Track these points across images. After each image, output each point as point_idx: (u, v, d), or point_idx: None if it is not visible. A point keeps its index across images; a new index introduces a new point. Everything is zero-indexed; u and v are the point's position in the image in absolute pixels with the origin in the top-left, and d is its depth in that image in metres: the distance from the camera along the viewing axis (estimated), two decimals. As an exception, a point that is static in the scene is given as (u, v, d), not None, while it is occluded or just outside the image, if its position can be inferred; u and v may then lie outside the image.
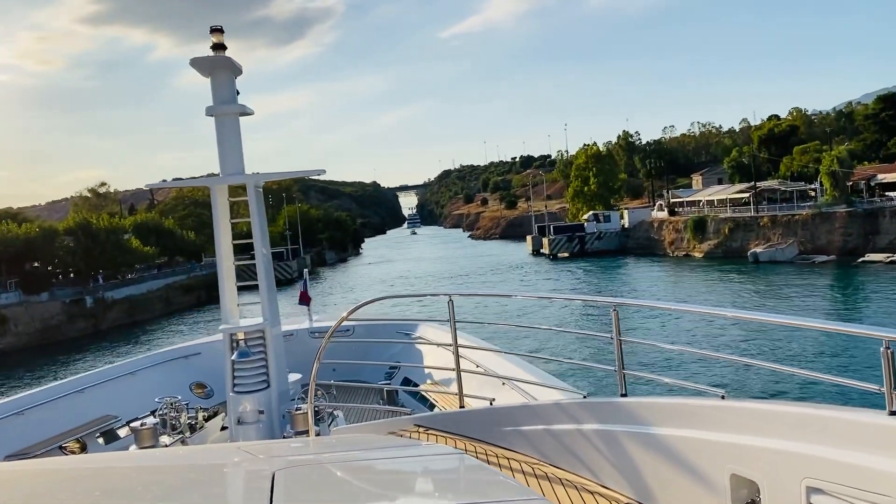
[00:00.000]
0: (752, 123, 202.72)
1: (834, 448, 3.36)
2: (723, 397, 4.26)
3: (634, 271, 73.31)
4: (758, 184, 75.31)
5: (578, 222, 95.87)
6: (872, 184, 71.57)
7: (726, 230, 72.79)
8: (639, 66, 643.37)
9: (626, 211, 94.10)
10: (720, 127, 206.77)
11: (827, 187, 67.08)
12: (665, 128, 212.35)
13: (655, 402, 4.76)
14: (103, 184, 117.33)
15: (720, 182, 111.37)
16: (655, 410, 4.66)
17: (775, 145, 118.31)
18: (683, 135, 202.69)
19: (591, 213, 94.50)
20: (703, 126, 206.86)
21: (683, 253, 77.82)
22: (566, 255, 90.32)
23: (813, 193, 77.27)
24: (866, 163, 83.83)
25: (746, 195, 76.83)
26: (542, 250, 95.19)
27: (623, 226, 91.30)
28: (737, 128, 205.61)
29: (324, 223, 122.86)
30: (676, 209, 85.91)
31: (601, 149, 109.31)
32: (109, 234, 62.35)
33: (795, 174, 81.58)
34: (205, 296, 74.77)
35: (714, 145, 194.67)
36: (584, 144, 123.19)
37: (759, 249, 66.31)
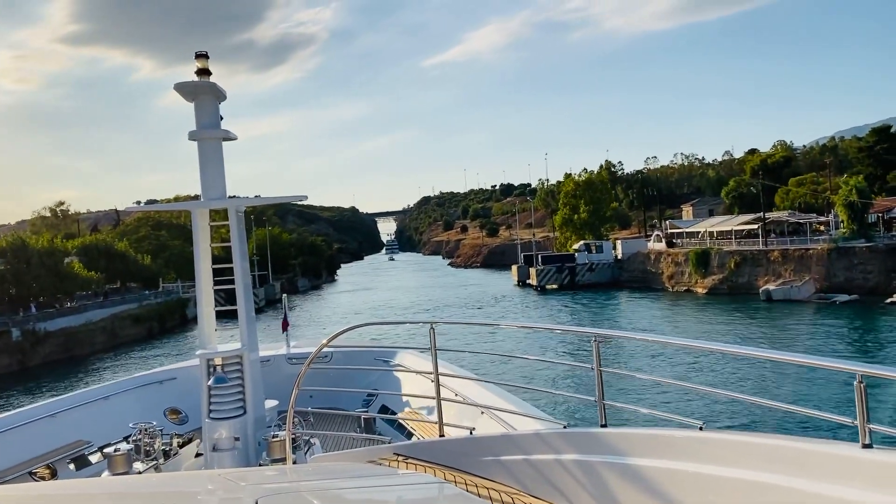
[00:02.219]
0: (735, 156, 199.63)
1: (809, 480, 3.40)
2: (701, 428, 4.30)
3: (633, 307, 66.14)
4: (766, 215, 68.54)
5: (568, 252, 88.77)
6: (888, 217, 65.37)
7: (732, 264, 65.95)
8: (618, 99, 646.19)
9: (618, 241, 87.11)
10: (703, 158, 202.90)
11: (844, 220, 60.61)
12: (647, 158, 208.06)
13: (634, 432, 4.77)
14: (61, 203, 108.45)
15: (712, 213, 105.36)
16: (634, 441, 4.67)
17: (768, 176, 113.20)
18: (665, 166, 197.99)
19: (581, 242, 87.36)
20: (686, 157, 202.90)
21: (685, 288, 70.79)
22: (555, 286, 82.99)
23: (822, 227, 71.17)
24: (880, 195, 77.69)
25: (752, 226, 70.24)
26: (528, 281, 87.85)
27: (616, 257, 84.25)
28: (719, 159, 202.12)
29: (297, 248, 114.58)
30: (674, 240, 79.08)
31: (590, 176, 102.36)
32: (44, 257, 53.75)
33: (802, 205, 75.38)
34: (157, 327, 66.40)
35: (697, 177, 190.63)
36: (572, 173, 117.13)
37: (771, 287, 59.40)
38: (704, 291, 67.52)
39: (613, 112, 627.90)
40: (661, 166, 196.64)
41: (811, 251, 60.79)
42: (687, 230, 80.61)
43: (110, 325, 59.74)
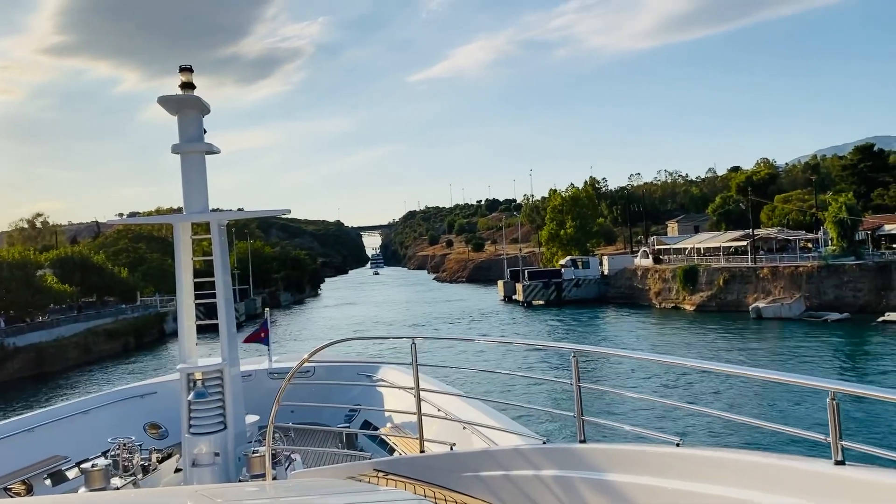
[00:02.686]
0: (718, 174, 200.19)
1: (782, 497, 3.46)
2: (678, 444, 4.35)
3: (620, 324, 64.91)
4: (755, 231, 67.64)
5: (554, 267, 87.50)
6: (877, 234, 64.70)
7: (721, 281, 64.92)
8: (601, 117, 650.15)
9: (605, 257, 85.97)
10: (686, 175, 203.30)
11: (833, 237, 59.80)
12: (631, 175, 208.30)
13: (613, 448, 4.80)
14: (39, 214, 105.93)
15: (697, 230, 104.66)
16: (612, 457, 4.71)
17: (753, 193, 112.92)
18: (649, 182, 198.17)
19: (568, 258, 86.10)
20: (670, 174, 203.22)
21: (672, 305, 69.65)
22: (541, 302, 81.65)
23: (809, 244, 70.44)
24: (865, 213, 77.23)
25: (740, 243, 69.37)
26: (514, 297, 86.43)
27: (602, 273, 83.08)
28: (703, 176, 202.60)
29: (280, 262, 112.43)
30: (661, 256, 78.04)
31: (577, 191, 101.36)
32: (15, 270, 51.64)
33: (790, 222, 74.67)
34: (133, 342, 64.25)
35: (681, 193, 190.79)
36: (557, 189, 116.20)
37: (761, 304, 58.36)
38: (693, 308, 66.41)
39: (597, 129, 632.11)
40: (645, 183, 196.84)
41: (801, 268, 59.92)
42: (674, 246, 79.64)
43: (84, 340, 57.56)
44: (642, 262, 78.62)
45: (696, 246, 75.56)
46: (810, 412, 26.27)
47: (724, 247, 70.87)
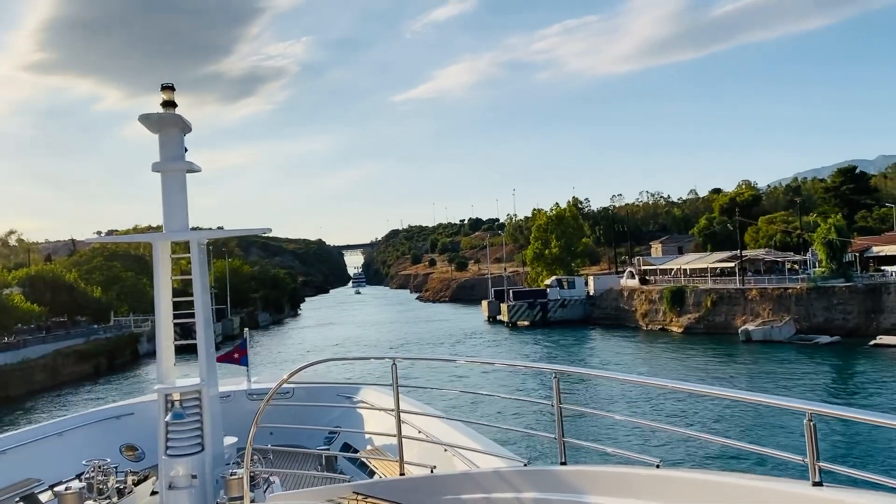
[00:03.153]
0: (700, 195, 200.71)
1: None
2: (658, 466, 4.40)
3: (607, 346, 63.47)
4: (743, 253, 66.64)
5: (539, 287, 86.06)
6: (866, 256, 63.97)
7: (708, 303, 63.76)
8: (584, 137, 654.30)
9: (591, 277, 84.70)
10: (668, 196, 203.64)
11: (822, 258, 58.90)
12: (613, 196, 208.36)
13: (593, 470, 4.83)
14: (12, 231, 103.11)
15: (681, 251, 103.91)
16: (593, 479, 4.73)
17: (737, 215, 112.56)
18: (631, 203, 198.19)
19: (553, 278, 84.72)
20: (652, 195, 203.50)
21: (659, 326, 68.36)
22: (527, 323, 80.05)
23: (796, 266, 69.59)
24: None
25: (728, 264, 68.38)
26: (499, 317, 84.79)
27: (588, 293, 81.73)
28: (685, 198, 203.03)
29: (259, 281, 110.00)
30: (647, 277, 76.86)
31: (562, 210, 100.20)
32: (-21, 289, 49.30)
33: (777, 244, 73.92)
34: (105, 364, 61.80)
35: (663, 214, 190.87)
36: (539, 208, 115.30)
37: (751, 327, 57.18)
38: (680, 330, 65.15)
39: (579, 150, 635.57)
40: (627, 203, 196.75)
41: (790, 290, 58.92)
42: (660, 267, 78.51)
43: (52, 361, 55.10)
44: (628, 282, 77.39)
45: (683, 267, 74.43)
46: (790, 433, 26.07)
47: (711, 268, 69.72)
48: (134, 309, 76.29)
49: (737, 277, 64.18)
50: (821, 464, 3.40)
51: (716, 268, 70.44)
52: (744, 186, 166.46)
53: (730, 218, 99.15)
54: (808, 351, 51.74)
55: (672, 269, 76.81)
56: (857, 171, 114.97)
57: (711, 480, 4.00)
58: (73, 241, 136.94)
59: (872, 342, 50.26)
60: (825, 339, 52.78)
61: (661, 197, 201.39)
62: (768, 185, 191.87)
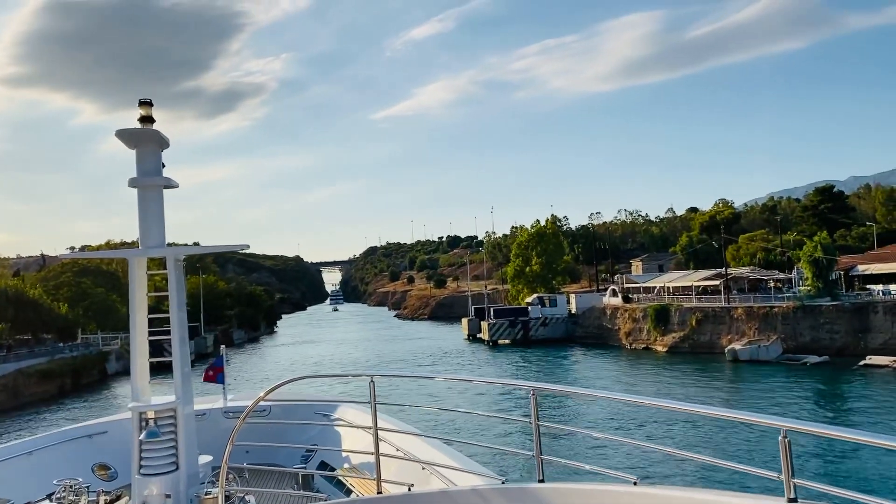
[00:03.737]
0: (677, 214, 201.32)
1: None
2: (635, 483, 4.42)
3: (591, 365, 61.83)
4: (728, 271, 65.58)
5: (521, 305, 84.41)
6: (851, 275, 63.22)
7: (693, 321, 62.49)
8: (562, 156, 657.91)
9: (573, 295, 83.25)
10: (646, 215, 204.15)
11: (809, 276, 57.96)
12: (591, 214, 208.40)
13: (570, 488, 4.83)
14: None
15: (661, 269, 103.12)
16: (570, 497, 4.75)
17: (717, 233, 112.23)
18: (610, 222, 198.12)
19: (535, 295, 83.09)
20: (630, 213, 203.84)
21: (643, 345, 66.95)
22: (508, 341, 78.27)
23: (778, 284, 68.73)
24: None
25: (713, 282, 67.29)
26: (479, 335, 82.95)
27: (570, 311, 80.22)
28: (662, 216, 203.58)
29: (234, 298, 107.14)
30: (630, 295, 75.56)
31: (543, 227, 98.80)
32: (-66, 305, 46.49)
33: (761, 261, 73.08)
34: (70, 384, 58.92)
35: (641, 233, 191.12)
36: (520, 225, 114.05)
37: (738, 346, 55.91)
38: (665, 350, 63.77)
39: (557, 168, 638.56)
40: (604, 222, 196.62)
41: (776, 309, 57.81)
42: (643, 285, 77.27)
43: (13, 381, 52.25)
44: (611, 300, 76.00)
45: (667, 285, 73.24)
46: (765, 450, 26.13)
47: (695, 286, 68.54)
48: (103, 326, 73.38)
49: (722, 296, 63.00)
50: (796, 480, 3.44)
51: (699, 286, 69.30)
52: (721, 205, 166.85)
53: (710, 236, 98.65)
54: (797, 371, 50.53)
55: (655, 287, 75.61)
56: (835, 189, 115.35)
57: (688, 497, 4.05)
58: (42, 256, 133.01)
59: (862, 362, 49.18)
60: (814, 358, 51.63)
61: (640, 215, 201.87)
62: (745, 204, 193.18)
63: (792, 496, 3.40)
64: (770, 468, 3.75)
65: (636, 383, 51.84)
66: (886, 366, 47.60)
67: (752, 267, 69.55)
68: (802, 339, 55.64)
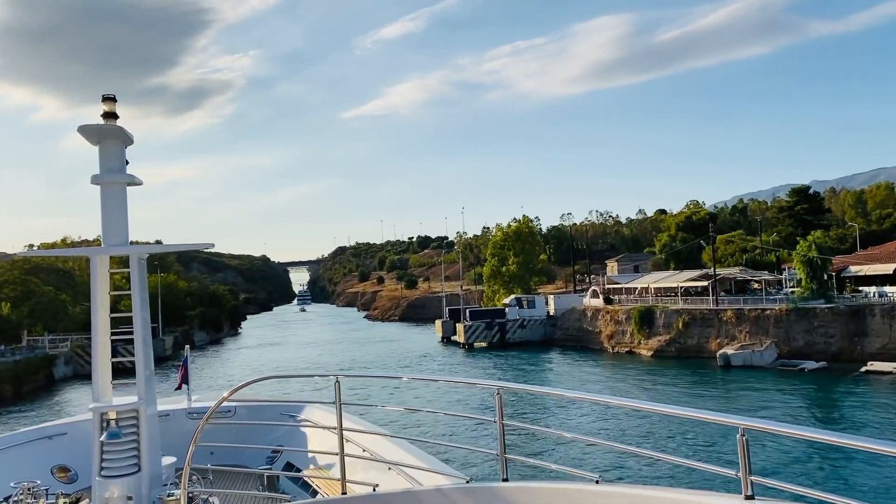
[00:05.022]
0: (648, 215, 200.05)
1: None
2: (597, 482, 4.47)
3: (572, 370, 58.13)
4: (717, 271, 62.31)
5: (497, 307, 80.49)
6: (843, 276, 60.50)
7: (680, 324, 59.17)
8: (532, 157, 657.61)
9: (551, 296, 79.55)
10: (617, 216, 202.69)
11: (802, 278, 54.96)
12: (563, 214, 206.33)
13: (534, 486, 4.88)
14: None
15: (637, 269, 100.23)
16: (534, 495, 4.79)
17: (693, 233, 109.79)
18: (581, 223, 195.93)
19: (512, 296, 79.18)
20: (601, 214, 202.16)
21: (626, 349, 63.46)
22: (484, 344, 74.30)
23: (757, 286, 65.89)
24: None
25: (699, 283, 64.10)
26: (454, 338, 78.86)
27: (548, 313, 76.52)
28: (633, 217, 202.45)
29: (196, 297, 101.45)
30: (612, 297, 72.10)
31: (520, 226, 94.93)
32: None
33: (748, 262, 70.17)
34: (10, 391, 53.47)
35: (612, 233, 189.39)
36: (489, 226, 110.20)
37: (729, 351, 52.62)
38: (650, 354, 60.36)
39: (527, 170, 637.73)
40: (575, 223, 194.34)
41: (768, 312, 54.71)
42: (626, 286, 73.86)
43: (-60, 389, 46.85)
44: (592, 301, 72.45)
45: (652, 286, 69.88)
46: (724, 448, 26.50)
47: (682, 287, 65.25)
48: (52, 328, 67.76)
49: (710, 297, 59.77)
50: (753, 477, 3.45)
51: (685, 287, 66.07)
52: (692, 206, 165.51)
53: (690, 236, 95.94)
54: (794, 378, 47.37)
55: (636, 288, 72.29)
56: (811, 191, 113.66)
57: (648, 495, 4.13)
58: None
59: (864, 368, 46.18)
60: (811, 364, 48.52)
61: (611, 216, 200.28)
62: (714, 206, 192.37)
63: (749, 493, 3.42)
64: (727, 466, 3.77)
65: (625, 390, 48.28)
66: (890, 372, 44.63)
67: (740, 268, 66.36)
68: (796, 344, 52.60)
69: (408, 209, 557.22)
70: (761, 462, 24.80)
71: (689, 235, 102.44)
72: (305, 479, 10.35)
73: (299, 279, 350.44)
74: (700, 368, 53.38)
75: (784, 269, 61.27)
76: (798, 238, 58.52)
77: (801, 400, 42.36)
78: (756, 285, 65.98)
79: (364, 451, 8.58)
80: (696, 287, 64.92)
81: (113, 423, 8.29)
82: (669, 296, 66.45)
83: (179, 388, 12.98)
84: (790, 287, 59.82)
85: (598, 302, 70.98)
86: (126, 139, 8.81)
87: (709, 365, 54.06)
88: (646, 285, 70.71)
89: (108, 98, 8.66)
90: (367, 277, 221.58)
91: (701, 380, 49.41)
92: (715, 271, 61.13)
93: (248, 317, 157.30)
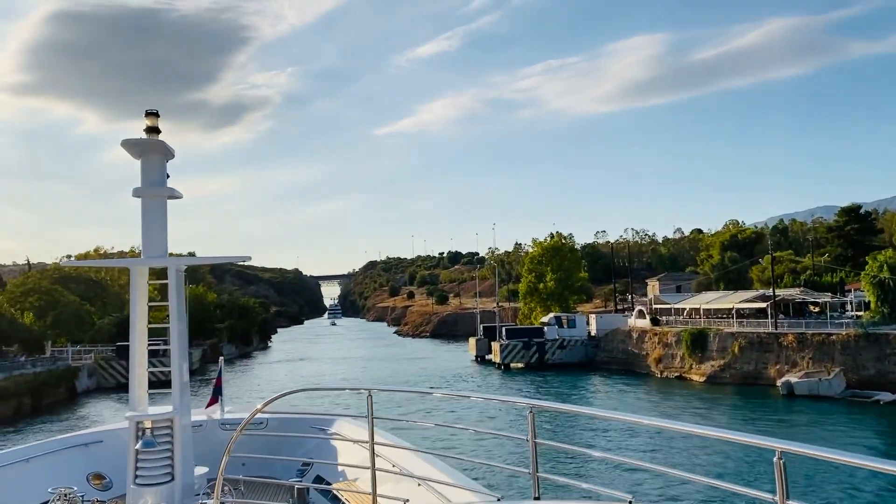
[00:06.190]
0: (685, 234, 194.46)
1: None
2: (630, 502, 4.38)
3: (618, 395, 53.91)
4: (776, 292, 57.69)
5: (535, 325, 76.46)
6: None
7: (736, 349, 54.65)
8: (564, 175, 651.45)
9: (592, 316, 75.32)
10: (654, 234, 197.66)
11: (872, 301, 50.25)
12: (597, 232, 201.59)
13: None
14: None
15: (679, 289, 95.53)
16: None
17: (738, 252, 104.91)
18: (617, 241, 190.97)
19: (551, 315, 75.05)
20: (637, 233, 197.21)
21: (676, 374, 59.03)
22: (521, 365, 70.26)
23: (816, 308, 61.14)
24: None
25: (756, 305, 59.52)
26: (489, 357, 74.94)
27: (589, 333, 72.33)
28: (669, 236, 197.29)
29: (226, 310, 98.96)
30: (659, 317, 67.72)
31: (558, 241, 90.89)
32: None
33: (807, 281, 65.43)
34: (29, 404, 50.92)
35: (649, 252, 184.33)
36: (536, 238, 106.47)
37: (793, 378, 48.01)
38: (702, 379, 55.88)
39: (559, 187, 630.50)
40: (608, 241, 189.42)
41: (833, 337, 50.05)
42: (675, 306, 69.36)
43: (-46, 403, 44.36)
44: (638, 322, 68.10)
45: (702, 306, 65.29)
46: (760, 472, 25.62)
47: (737, 308, 60.57)
48: (77, 339, 65.48)
49: (769, 320, 55.17)
50: (790, 502, 3.38)
51: (742, 308, 61.41)
52: (732, 226, 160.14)
53: (742, 255, 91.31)
54: (867, 410, 42.70)
55: (685, 309, 67.83)
56: (862, 210, 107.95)
57: None
58: (28, 263, 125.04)
59: (951, 403, 41.43)
60: (887, 396, 43.76)
61: (647, 235, 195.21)
62: (755, 226, 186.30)
63: None
64: (764, 489, 3.68)
65: (678, 417, 44.01)
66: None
67: (800, 288, 61.58)
68: (866, 373, 47.82)
69: (438, 225, 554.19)
70: (801, 488, 23.91)
71: (735, 254, 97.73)
72: (335, 492, 10.23)
73: (330, 293, 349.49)
74: (759, 397, 48.91)
75: (849, 292, 56.54)
76: (869, 259, 53.60)
77: (878, 435, 37.92)
78: (814, 308, 61.35)
79: (394, 465, 8.45)
80: (747, 309, 60.32)
81: (148, 432, 8.36)
82: (721, 317, 61.92)
83: (210, 405, 12.49)
84: (854, 310, 54.99)
85: (645, 323, 66.63)
86: (168, 153, 8.95)
87: (769, 393, 49.57)
88: (697, 306, 66.14)
89: (152, 113, 8.78)
90: (398, 292, 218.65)
91: (763, 410, 44.96)
92: (774, 292, 56.49)
93: (279, 330, 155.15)
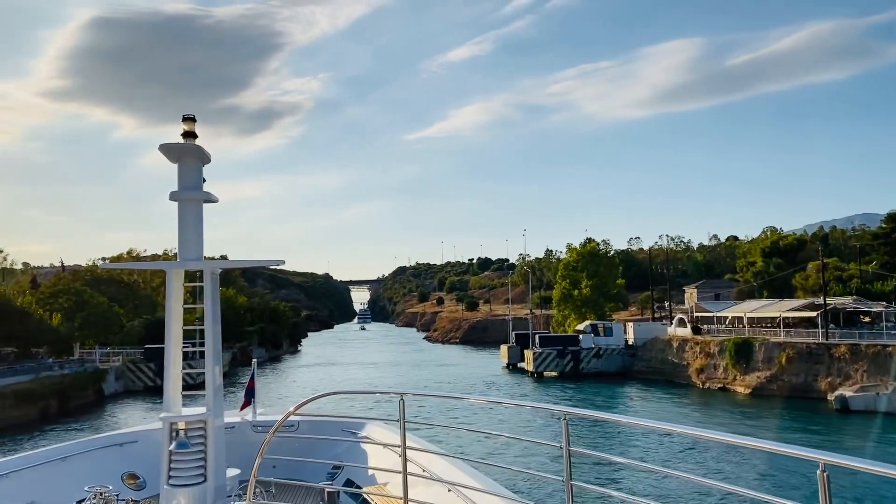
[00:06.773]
0: (721, 241, 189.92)
1: None
2: None
3: (658, 406, 51.40)
4: (827, 301, 54.70)
5: (570, 333, 74.12)
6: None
7: (783, 360, 51.84)
8: (596, 180, 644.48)
9: (629, 324, 72.75)
10: (689, 241, 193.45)
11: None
12: (630, 239, 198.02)
13: None
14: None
15: (717, 297, 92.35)
16: None
17: (780, 259, 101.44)
18: (651, 247, 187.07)
19: (587, 322, 72.65)
20: (672, 239, 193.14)
21: (719, 385, 56.31)
22: (555, 374, 68.00)
23: (867, 318, 58.00)
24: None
25: (806, 314, 56.57)
26: (522, 365, 72.80)
27: (627, 342, 69.81)
28: (704, 243, 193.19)
29: (256, 313, 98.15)
30: (700, 326, 64.96)
31: (594, 246, 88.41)
32: None
33: (858, 289, 62.29)
34: (56, 407, 50.06)
35: (684, 259, 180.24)
36: (571, 244, 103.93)
37: (848, 392, 45.16)
38: (747, 391, 53.14)
39: (590, 192, 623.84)
40: (641, 248, 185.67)
41: (889, 348, 47.08)
42: (718, 314, 66.52)
43: (-15, 404, 43.55)
44: (678, 331, 65.41)
45: (747, 315, 62.40)
46: (803, 484, 24.83)
47: (785, 317, 57.65)
48: (106, 341, 64.84)
49: (819, 330, 52.26)
50: None
51: (789, 317, 58.51)
52: (771, 232, 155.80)
53: (785, 262, 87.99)
54: (930, 428, 39.83)
55: (727, 318, 64.99)
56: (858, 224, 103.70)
57: None
58: (62, 265, 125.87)
59: None
60: (952, 413, 40.82)
61: (682, 241, 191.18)
62: (793, 232, 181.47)
63: None
64: (807, 502, 3.57)
65: (722, 430, 41.46)
66: None
67: (853, 297, 58.45)
68: (925, 387, 44.81)
69: (468, 230, 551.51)
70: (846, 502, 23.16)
71: (781, 261, 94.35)
72: (365, 496, 10.21)
73: (360, 298, 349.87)
74: (810, 411, 46.10)
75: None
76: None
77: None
78: (865, 318, 58.23)
79: (425, 470, 8.43)
80: (793, 318, 57.38)
81: (181, 433, 8.47)
82: (765, 326, 59.05)
83: (244, 408, 12.32)
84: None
85: (686, 331, 63.93)
86: (204, 157, 9.07)
87: (820, 407, 46.73)
88: (741, 314, 63.29)
89: (188, 118, 8.92)
90: (427, 298, 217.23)
91: (815, 425, 42.20)
92: (825, 300, 53.53)
93: (309, 334, 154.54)
